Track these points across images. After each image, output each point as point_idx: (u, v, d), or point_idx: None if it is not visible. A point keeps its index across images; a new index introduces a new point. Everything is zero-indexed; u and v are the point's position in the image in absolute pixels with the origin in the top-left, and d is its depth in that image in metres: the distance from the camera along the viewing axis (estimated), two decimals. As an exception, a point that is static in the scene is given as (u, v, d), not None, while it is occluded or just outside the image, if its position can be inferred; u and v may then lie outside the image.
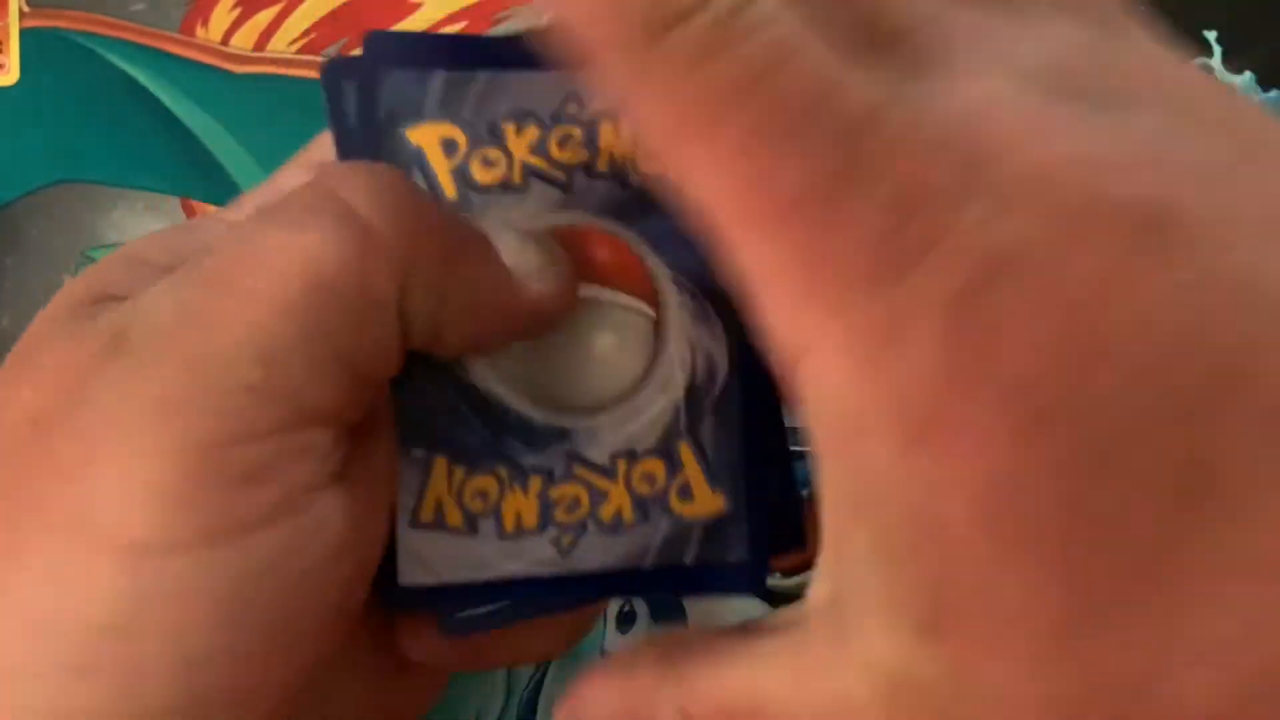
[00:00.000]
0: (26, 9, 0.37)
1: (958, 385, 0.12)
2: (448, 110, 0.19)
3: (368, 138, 0.19)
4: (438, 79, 0.19)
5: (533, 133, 0.19)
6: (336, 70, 0.19)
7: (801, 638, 0.15)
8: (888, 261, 0.12)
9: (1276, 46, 0.40)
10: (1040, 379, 0.12)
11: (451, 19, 0.38)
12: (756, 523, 0.20)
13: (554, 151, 0.19)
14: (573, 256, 0.19)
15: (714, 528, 0.20)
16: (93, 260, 0.36)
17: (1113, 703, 0.12)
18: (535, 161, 0.19)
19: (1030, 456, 0.12)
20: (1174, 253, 0.12)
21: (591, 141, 0.20)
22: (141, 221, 0.36)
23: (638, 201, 0.20)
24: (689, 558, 0.20)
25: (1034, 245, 0.12)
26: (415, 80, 0.19)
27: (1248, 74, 0.39)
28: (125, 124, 0.37)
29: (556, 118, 0.19)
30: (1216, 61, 0.39)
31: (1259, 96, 0.39)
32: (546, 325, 0.19)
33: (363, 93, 0.19)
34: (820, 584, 0.15)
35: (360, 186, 0.17)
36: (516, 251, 0.19)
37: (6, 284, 0.35)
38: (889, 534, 0.13)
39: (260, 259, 0.17)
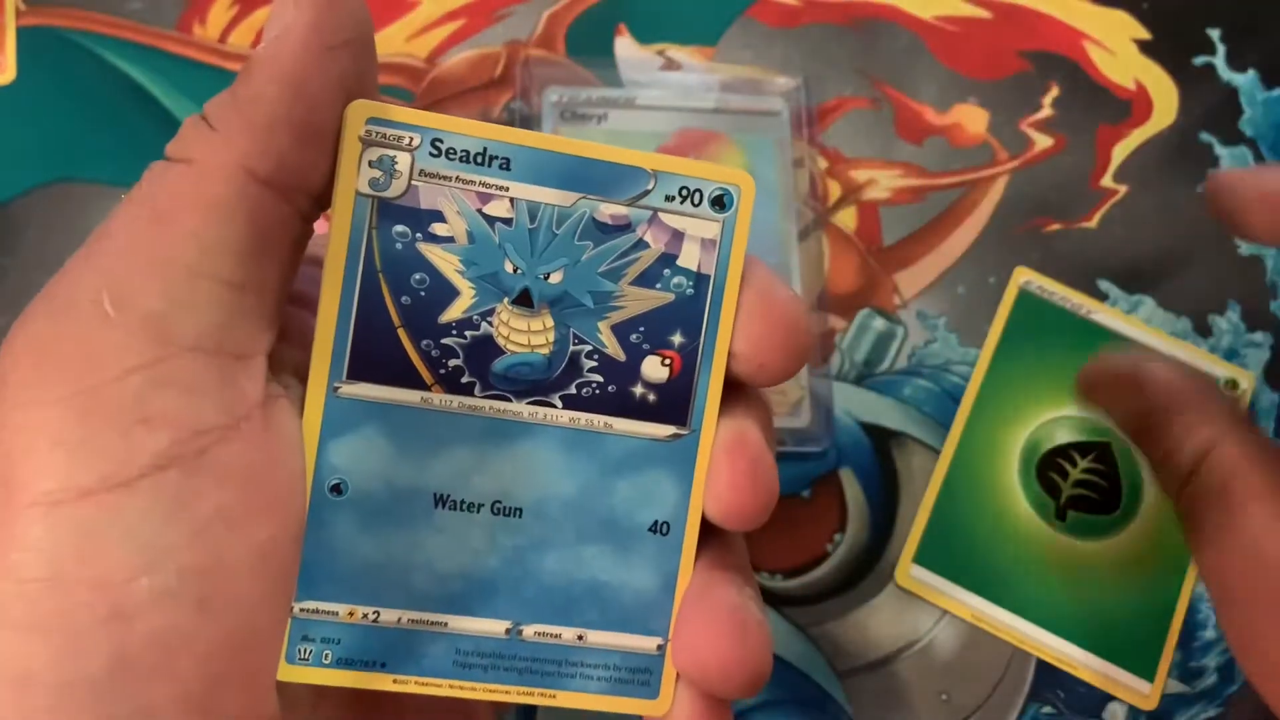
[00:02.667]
0: (23, 7, 0.37)
1: None
2: None
3: None
4: None
5: None
6: None
7: None
8: None
9: (1280, 44, 0.40)
10: None
11: (450, 16, 0.38)
12: None
13: None
14: None
15: None
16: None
17: None
18: None
19: None
20: None
21: None
22: (139, 221, 0.36)
23: None
24: None
25: None
26: None
27: (1251, 72, 0.39)
28: (123, 123, 0.36)
29: None
30: (1220, 60, 0.39)
31: (1262, 95, 0.39)
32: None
33: None
34: None
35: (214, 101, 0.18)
36: None
37: (4, 284, 0.35)
38: None
39: (119, 209, 0.18)
